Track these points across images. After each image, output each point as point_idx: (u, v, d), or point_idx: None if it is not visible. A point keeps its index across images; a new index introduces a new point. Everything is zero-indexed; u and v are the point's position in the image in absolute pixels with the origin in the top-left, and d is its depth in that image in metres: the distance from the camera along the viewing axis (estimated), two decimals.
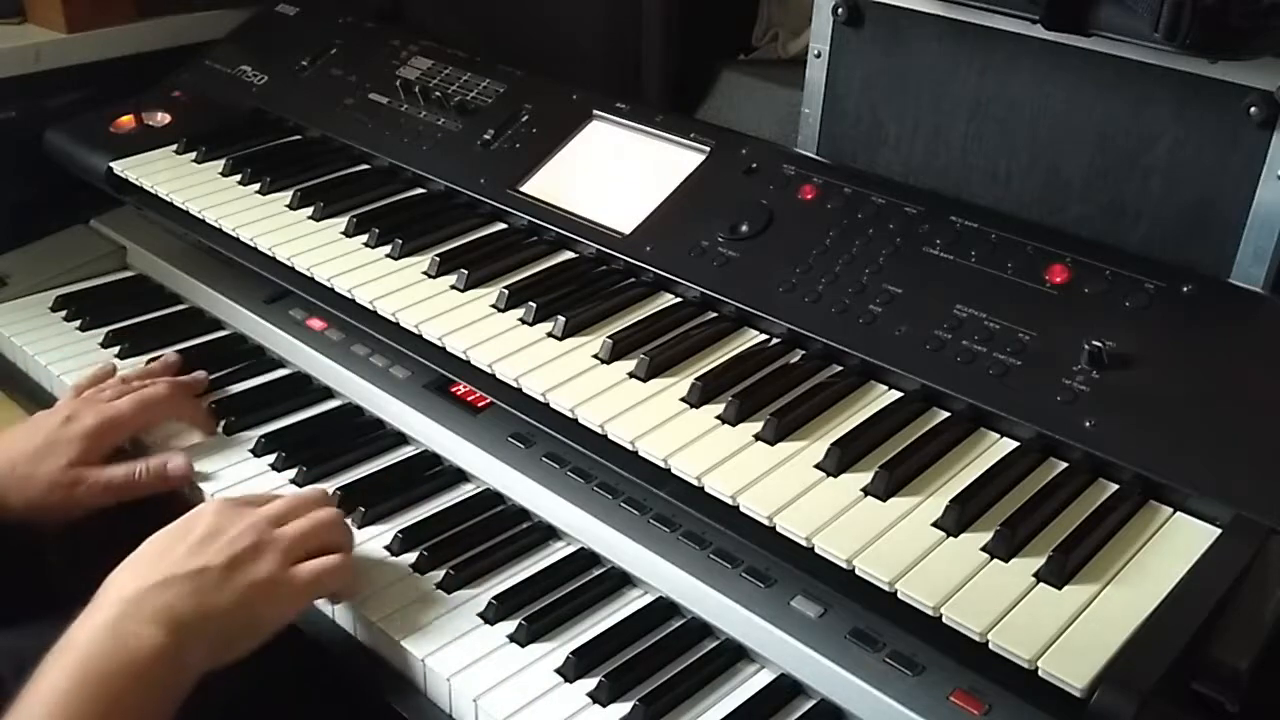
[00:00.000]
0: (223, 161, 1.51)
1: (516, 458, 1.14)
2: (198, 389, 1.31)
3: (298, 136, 1.60)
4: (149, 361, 1.37)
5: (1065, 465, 0.95)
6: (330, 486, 1.16)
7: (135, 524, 1.03)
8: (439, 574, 1.05)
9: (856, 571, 0.87)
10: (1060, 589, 0.84)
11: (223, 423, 1.26)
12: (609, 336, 1.12)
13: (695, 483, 0.96)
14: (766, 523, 0.92)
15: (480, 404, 1.20)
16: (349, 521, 1.09)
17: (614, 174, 1.33)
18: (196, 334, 1.45)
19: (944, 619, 0.83)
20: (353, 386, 1.29)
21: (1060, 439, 0.95)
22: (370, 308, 1.22)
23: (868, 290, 1.09)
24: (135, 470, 1.17)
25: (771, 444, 0.99)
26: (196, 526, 0.98)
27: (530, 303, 1.17)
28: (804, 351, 1.11)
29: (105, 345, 1.43)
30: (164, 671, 0.88)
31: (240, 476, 1.19)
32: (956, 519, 0.89)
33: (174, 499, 1.19)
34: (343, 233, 1.35)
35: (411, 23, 1.79)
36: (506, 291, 1.20)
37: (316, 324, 1.36)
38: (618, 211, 1.27)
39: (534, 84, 1.48)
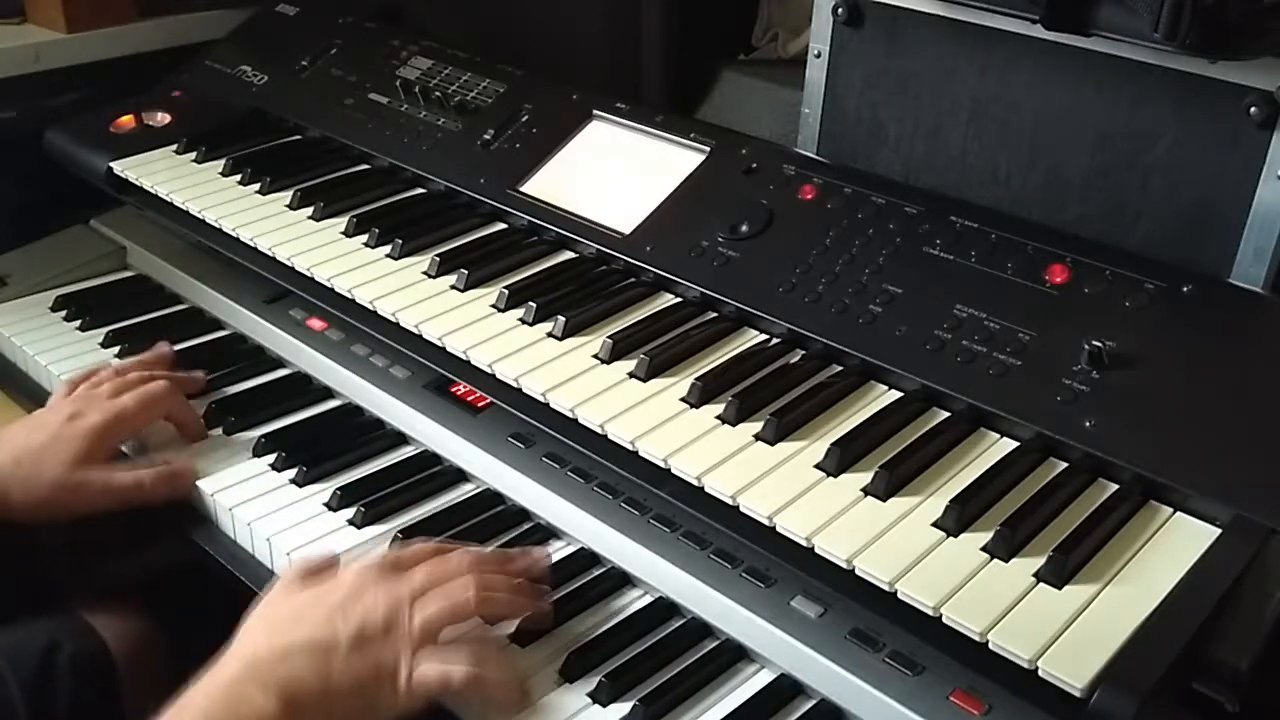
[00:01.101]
0: (223, 161, 1.51)
1: (516, 458, 1.14)
2: (194, 388, 1.31)
3: (298, 136, 1.60)
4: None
5: (1065, 465, 0.95)
6: (330, 486, 1.16)
7: (135, 526, 1.03)
8: None
9: (856, 571, 0.87)
10: (1060, 589, 0.84)
11: (223, 422, 1.26)
12: (609, 336, 1.12)
13: (695, 483, 0.96)
14: (766, 523, 0.92)
15: (480, 404, 1.20)
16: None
17: (614, 174, 1.33)
18: (196, 334, 1.45)
19: (944, 619, 0.83)
20: (353, 386, 1.29)
21: (1060, 439, 0.95)
22: (370, 308, 1.22)
23: (868, 290, 1.09)
24: (141, 478, 1.16)
25: (771, 444, 0.99)
26: (334, 590, 0.93)
27: (530, 303, 1.17)
28: (804, 351, 1.11)
29: (105, 345, 1.43)
30: None
31: (240, 476, 1.19)
32: (956, 519, 0.89)
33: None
34: (343, 233, 1.35)
35: (411, 23, 1.80)
36: (506, 291, 1.20)
37: (316, 324, 1.36)
38: (618, 211, 1.27)
39: (534, 84, 1.48)
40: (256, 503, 1.15)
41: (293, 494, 1.17)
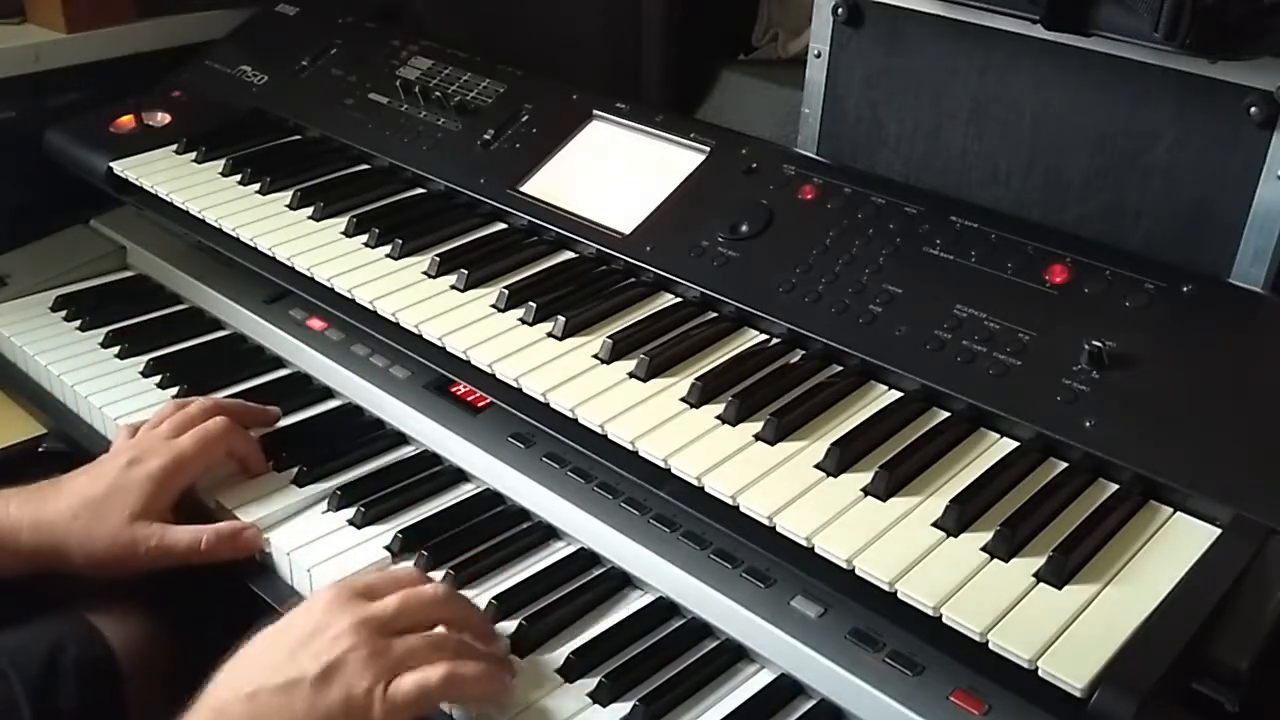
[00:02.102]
0: (223, 161, 1.51)
1: (516, 458, 1.14)
2: (267, 422, 1.24)
3: (298, 136, 1.60)
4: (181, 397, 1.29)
5: (1065, 465, 0.95)
6: (330, 486, 1.16)
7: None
8: (439, 574, 1.05)
9: (856, 571, 0.87)
10: (1060, 589, 0.84)
11: None
12: (609, 336, 1.12)
13: (695, 483, 0.96)
14: (766, 523, 0.92)
15: (480, 404, 1.20)
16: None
17: (614, 174, 1.33)
18: (196, 334, 1.45)
19: (944, 619, 0.83)
20: (353, 386, 1.29)
21: (1060, 439, 0.95)
22: (370, 308, 1.22)
23: (868, 290, 1.09)
24: (202, 538, 1.09)
25: (771, 444, 0.99)
26: (300, 623, 0.90)
27: (530, 303, 1.17)
28: (804, 351, 1.11)
29: (105, 345, 1.43)
30: None
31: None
32: (956, 519, 0.89)
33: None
34: (343, 233, 1.35)
35: (411, 23, 1.80)
36: (506, 291, 1.20)
37: (316, 324, 1.37)
38: (618, 211, 1.27)
39: (534, 84, 1.48)
40: (257, 503, 1.15)
41: (293, 494, 1.17)
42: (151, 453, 1.13)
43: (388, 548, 1.09)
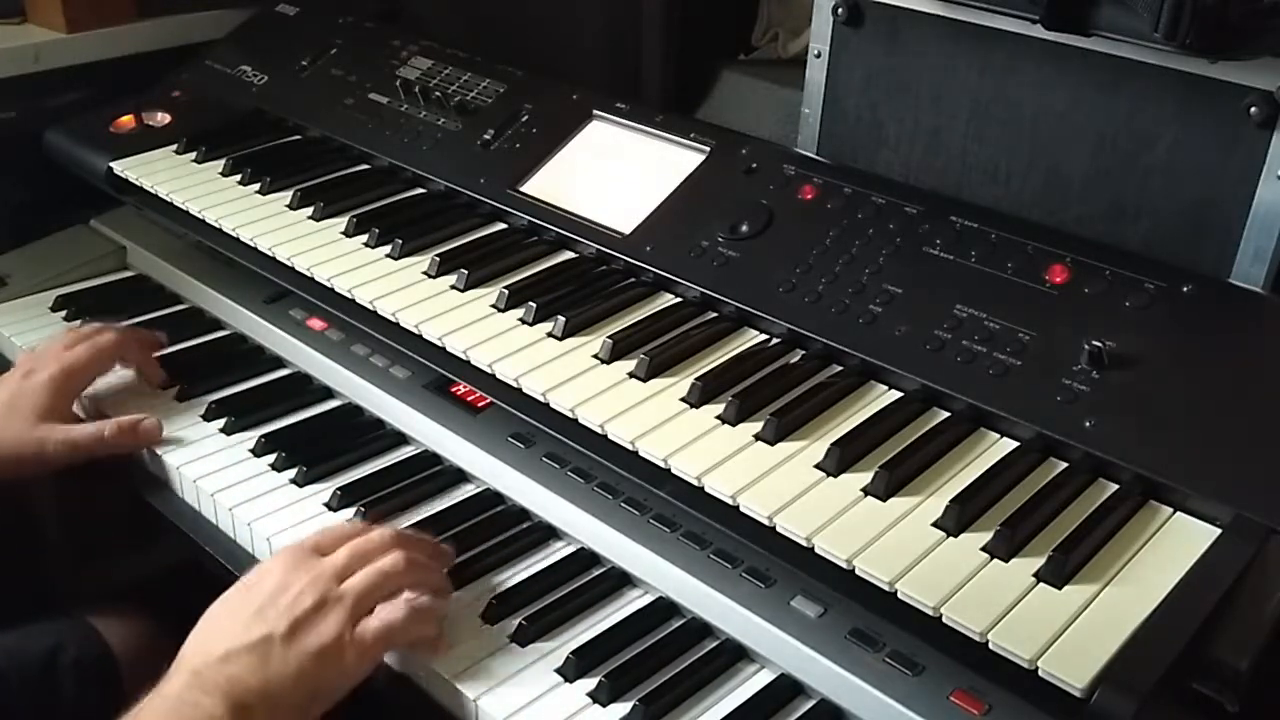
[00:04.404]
0: (223, 161, 1.51)
1: (516, 458, 1.14)
2: (154, 344, 1.34)
3: (298, 136, 1.60)
4: None
5: (1065, 465, 0.95)
6: (330, 486, 1.16)
7: (134, 526, 1.03)
8: None
9: (856, 571, 0.87)
10: (1060, 589, 0.84)
11: (223, 422, 1.26)
12: (609, 336, 1.12)
13: (695, 483, 0.96)
14: (766, 523, 0.92)
15: (480, 404, 1.20)
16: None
17: (614, 174, 1.33)
18: (196, 334, 1.45)
19: (944, 619, 0.83)
20: (353, 386, 1.29)
21: (1060, 439, 0.95)
22: (370, 308, 1.22)
23: (868, 290, 1.09)
24: (102, 429, 1.19)
25: (771, 444, 0.99)
26: (261, 586, 0.94)
27: (530, 303, 1.17)
28: (804, 351, 1.11)
29: None
30: None
31: (240, 476, 1.19)
32: (956, 519, 0.89)
33: (171, 494, 1.19)
34: (343, 233, 1.35)
35: (411, 23, 1.79)
36: (506, 291, 1.20)
37: (316, 324, 1.36)
38: (618, 211, 1.27)
39: (534, 84, 1.48)
40: (257, 503, 1.15)
41: (293, 494, 1.17)
42: (45, 363, 1.23)
43: None
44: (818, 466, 0.96)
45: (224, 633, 0.92)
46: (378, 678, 0.95)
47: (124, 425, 1.20)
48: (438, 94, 1.51)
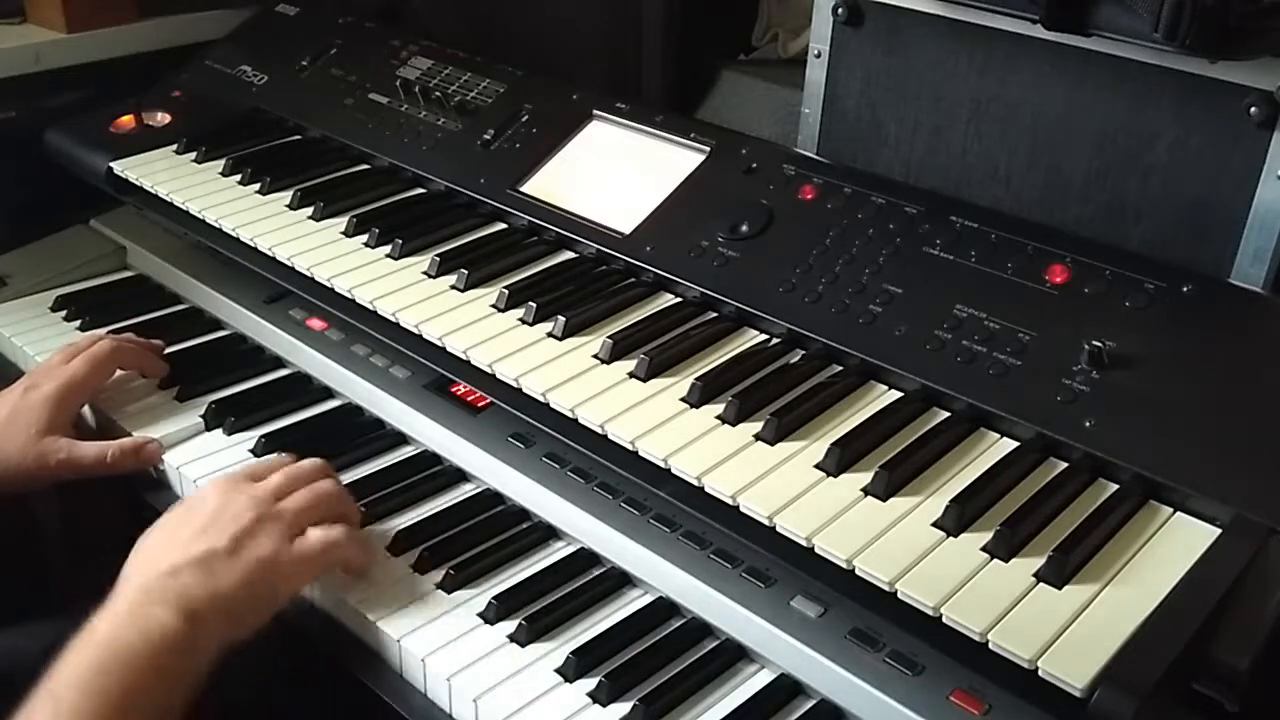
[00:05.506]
0: (223, 161, 1.51)
1: (516, 458, 1.14)
2: (148, 347, 1.35)
3: (298, 136, 1.60)
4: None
5: (1065, 465, 0.95)
6: None
7: (135, 526, 1.03)
8: (439, 574, 1.05)
9: (856, 571, 0.87)
10: (1060, 589, 0.84)
11: (223, 422, 1.26)
12: (609, 336, 1.12)
13: (695, 483, 0.96)
14: (766, 523, 0.92)
15: (480, 404, 1.20)
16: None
17: (614, 174, 1.33)
18: (196, 334, 1.45)
19: (944, 619, 0.83)
20: (353, 386, 1.29)
21: (1060, 439, 0.95)
22: (370, 308, 1.22)
23: (868, 290, 1.09)
24: (107, 449, 1.20)
25: (771, 444, 0.99)
26: (200, 509, 1.01)
27: (530, 303, 1.17)
28: (804, 351, 1.11)
29: None
30: (182, 654, 0.90)
31: None
32: (956, 519, 0.89)
33: (171, 495, 1.19)
34: (343, 233, 1.35)
35: (411, 23, 1.79)
36: (506, 291, 1.20)
37: (316, 324, 1.36)
38: (618, 211, 1.27)
39: (534, 84, 1.48)
40: None
41: None
42: (45, 378, 1.24)
43: (388, 548, 1.09)
44: (818, 466, 0.96)
45: (167, 550, 0.97)
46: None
47: (127, 448, 1.21)
48: (438, 94, 1.51)
